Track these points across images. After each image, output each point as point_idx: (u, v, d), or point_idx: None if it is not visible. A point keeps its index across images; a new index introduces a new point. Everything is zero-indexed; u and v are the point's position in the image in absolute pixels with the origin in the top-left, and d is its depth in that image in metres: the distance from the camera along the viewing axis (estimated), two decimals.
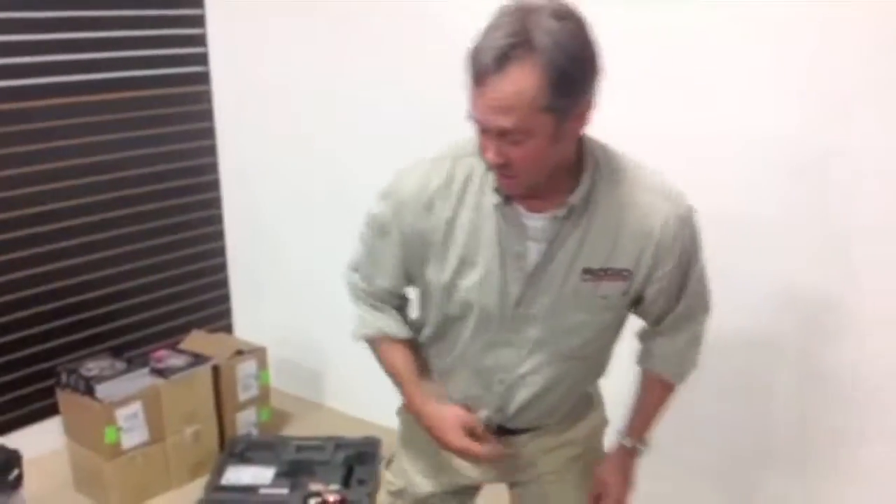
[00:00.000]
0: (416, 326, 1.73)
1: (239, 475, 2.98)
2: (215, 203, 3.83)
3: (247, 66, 3.60)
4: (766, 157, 2.40)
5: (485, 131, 1.35)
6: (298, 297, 3.68)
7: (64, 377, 3.07)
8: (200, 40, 3.64)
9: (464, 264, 1.53)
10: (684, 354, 1.71)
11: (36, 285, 3.27)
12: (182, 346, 3.45)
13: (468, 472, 1.79)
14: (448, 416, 1.63)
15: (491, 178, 1.47)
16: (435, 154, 1.55)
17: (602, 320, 1.57)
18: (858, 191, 2.30)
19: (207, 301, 3.90)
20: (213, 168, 3.80)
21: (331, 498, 1.58)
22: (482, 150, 1.38)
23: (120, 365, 3.12)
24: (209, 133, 3.76)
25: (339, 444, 3.08)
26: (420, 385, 1.69)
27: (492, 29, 1.29)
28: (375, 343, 1.72)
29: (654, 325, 1.68)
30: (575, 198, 1.45)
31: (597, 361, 1.71)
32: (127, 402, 3.00)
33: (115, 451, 2.99)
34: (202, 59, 3.66)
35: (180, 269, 3.75)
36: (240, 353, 3.38)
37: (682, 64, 2.49)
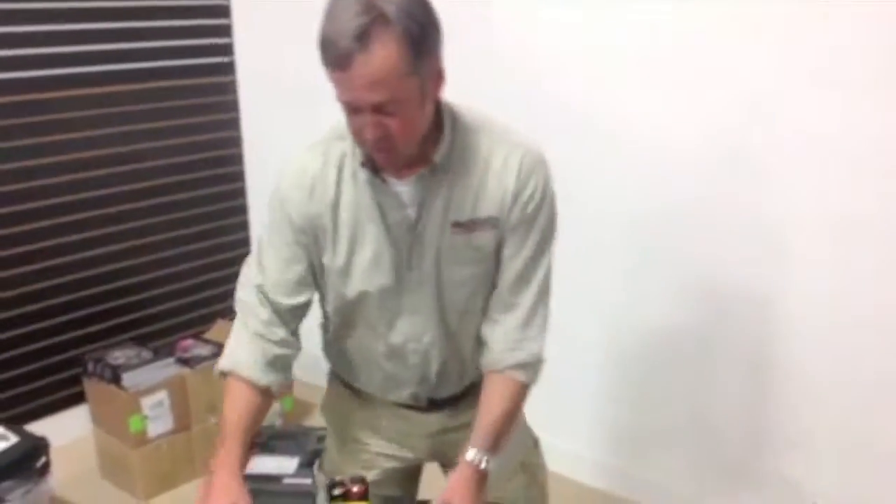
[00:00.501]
0: (324, 327, 1.76)
1: (263, 464, 2.97)
2: (240, 193, 3.85)
3: (272, 56, 3.60)
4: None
5: (357, 111, 1.38)
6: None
7: (91, 366, 3.10)
8: (226, 31, 3.65)
9: (354, 242, 1.56)
10: (519, 345, 1.61)
11: (63, 274, 3.30)
12: (207, 335, 3.48)
13: (403, 453, 1.82)
14: (221, 493, 1.61)
15: (359, 154, 1.50)
16: (310, 143, 1.60)
17: (483, 271, 1.59)
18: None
19: (232, 291, 3.88)
20: (238, 158, 3.82)
21: (354, 488, 1.57)
22: (357, 132, 1.42)
23: (146, 354, 3.15)
24: (234, 123, 3.77)
25: None
26: (236, 451, 1.66)
27: (339, 11, 1.33)
28: (228, 378, 1.66)
29: (497, 303, 1.62)
30: (438, 156, 1.49)
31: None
32: (153, 391, 3.03)
33: (141, 439, 3.02)
34: (227, 49, 3.68)
35: (205, 259, 3.78)
36: None
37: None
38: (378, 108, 1.35)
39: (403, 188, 1.52)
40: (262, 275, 1.63)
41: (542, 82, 2.83)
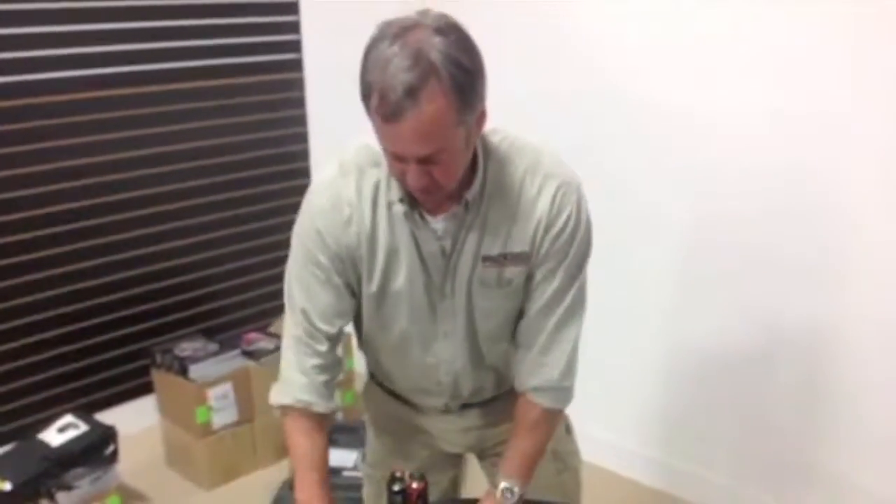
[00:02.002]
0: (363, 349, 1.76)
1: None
2: (305, 189, 3.87)
3: (339, 53, 3.61)
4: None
5: (402, 160, 1.37)
6: None
7: (159, 357, 3.16)
8: (294, 27, 3.68)
9: (389, 270, 1.55)
10: (538, 371, 1.61)
11: (134, 268, 3.37)
12: (272, 329, 3.51)
13: (441, 446, 1.84)
14: None
15: (394, 185, 1.49)
16: (337, 169, 1.56)
17: (513, 304, 1.59)
18: None
19: None
20: (304, 155, 3.85)
21: (414, 485, 1.57)
22: (400, 177, 1.41)
23: (212, 346, 3.20)
24: (301, 120, 3.80)
25: None
26: (314, 478, 1.63)
27: (384, 60, 1.30)
28: (288, 413, 1.65)
29: (524, 329, 1.62)
30: (470, 194, 1.48)
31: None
32: (218, 383, 3.07)
33: (206, 430, 3.07)
34: (295, 46, 3.71)
35: (271, 254, 3.81)
36: None
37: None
38: (424, 160, 1.35)
39: (438, 224, 1.52)
40: (304, 305, 1.60)
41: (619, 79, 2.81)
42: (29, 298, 3.12)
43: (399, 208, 1.50)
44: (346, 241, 1.53)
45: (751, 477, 2.82)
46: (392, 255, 1.54)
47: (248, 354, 3.21)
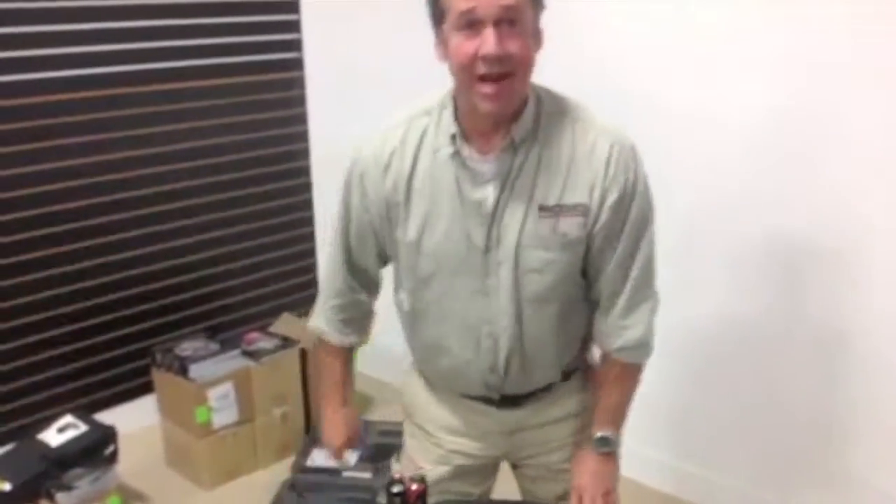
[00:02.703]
0: (399, 306, 1.75)
1: (324, 457, 3.01)
2: (306, 188, 3.88)
3: (340, 52, 3.62)
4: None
5: (479, 24, 1.36)
6: (385, 282, 3.69)
7: (159, 357, 3.15)
8: (295, 26, 3.68)
9: (428, 218, 1.55)
10: (619, 333, 1.62)
11: (134, 268, 3.37)
12: (272, 329, 3.51)
13: (478, 450, 1.78)
14: (340, 424, 1.89)
15: (444, 127, 1.51)
16: (388, 122, 1.60)
17: (566, 259, 1.54)
18: None
19: (297, 286, 3.95)
20: (304, 154, 3.84)
21: (413, 486, 1.56)
22: (470, 59, 1.38)
23: (213, 346, 3.19)
24: (302, 119, 3.80)
25: None
26: (338, 391, 1.88)
27: None
28: (320, 346, 1.87)
29: (598, 292, 1.62)
30: (518, 129, 1.47)
31: (572, 311, 1.64)
32: (218, 383, 3.07)
33: (206, 430, 3.06)
34: (296, 45, 3.70)
35: (271, 253, 3.81)
36: None
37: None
38: (503, 17, 1.34)
39: (486, 166, 1.50)
40: (341, 248, 1.72)
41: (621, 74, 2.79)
42: (28, 298, 3.11)
43: (445, 151, 1.51)
44: (384, 187, 1.57)
45: (761, 479, 2.79)
46: (432, 202, 1.54)
47: (249, 354, 3.21)
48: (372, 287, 1.79)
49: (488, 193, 1.50)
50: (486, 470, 1.85)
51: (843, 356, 2.55)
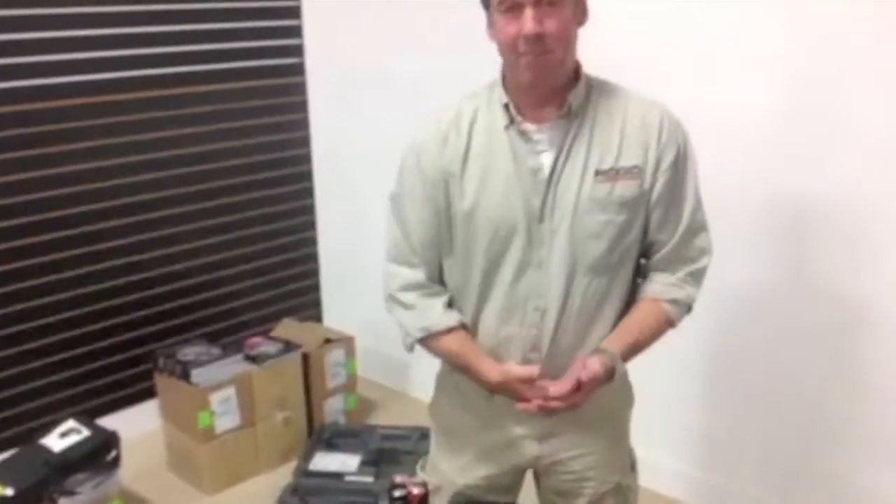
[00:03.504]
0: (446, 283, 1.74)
1: (326, 462, 3.02)
2: (308, 193, 3.89)
3: (342, 57, 3.63)
4: None
5: (512, 8, 1.47)
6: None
7: (161, 361, 3.16)
8: (296, 32, 3.69)
9: (483, 186, 1.59)
10: (681, 286, 1.67)
11: (136, 272, 3.37)
12: (274, 333, 3.51)
13: (505, 459, 1.76)
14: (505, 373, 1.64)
15: (496, 102, 1.59)
16: (437, 112, 1.67)
17: (624, 221, 1.59)
18: None
19: (299, 290, 3.96)
20: (306, 159, 3.85)
21: (415, 490, 1.57)
22: (512, 40, 1.48)
23: (215, 351, 3.20)
24: (303, 124, 3.81)
25: (423, 433, 3.04)
26: (488, 359, 1.67)
27: None
28: (428, 343, 1.71)
29: (655, 255, 1.68)
30: (574, 96, 1.56)
31: (621, 282, 1.67)
32: (221, 387, 3.07)
33: (209, 434, 3.07)
34: (298, 50, 3.71)
35: (273, 258, 3.82)
36: (329, 341, 3.42)
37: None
38: (541, 0, 1.44)
39: (541, 134, 1.57)
40: (408, 239, 1.70)
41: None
42: (30, 303, 3.12)
43: (500, 123, 1.58)
44: (441, 161, 1.61)
45: (774, 486, 2.77)
46: (487, 172, 1.59)
47: (251, 359, 3.21)
48: (439, 279, 1.74)
49: (544, 161, 1.57)
50: (511, 480, 1.83)
51: (854, 369, 2.52)
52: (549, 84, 1.54)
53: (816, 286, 2.55)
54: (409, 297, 1.71)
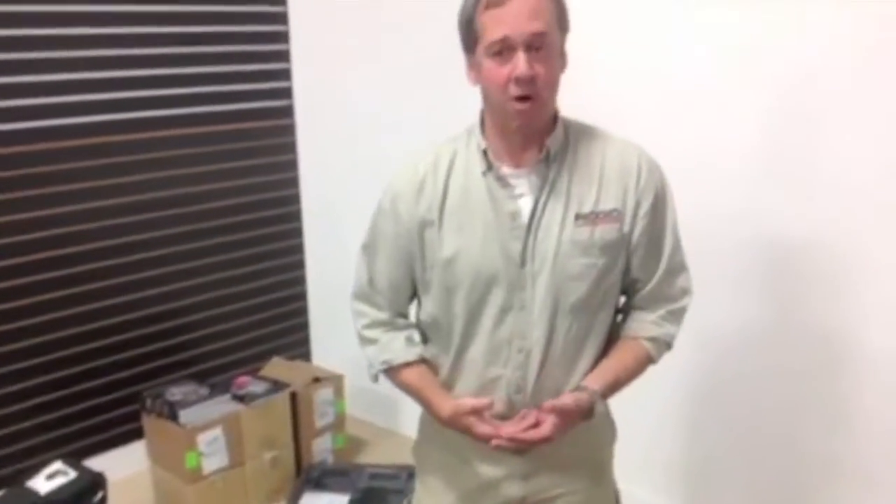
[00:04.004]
0: (422, 328, 1.76)
1: (314, 502, 3.01)
2: (297, 233, 3.91)
3: (330, 99, 3.67)
4: None
5: (510, 50, 1.47)
6: None
7: (149, 402, 3.15)
8: (285, 75, 3.73)
9: (462, 234, 1.60)
10: (660, 324, 1.69)
11: (123, 313, 3.37)
12: (262, 372, 3.51)
13: (489, 499, 1.75)
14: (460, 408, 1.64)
15: (474, 147, 1.60)
16: (416, 157, 1.68)
17: (605, 263, 1.60)
18: None
19: (287, 329, 3.96)
20: (295, 199, 3.88)
21: None
22: (502, 83, 1.49)
23: (203, 391, 3.20)
24: (292, 165, 3.84)
25: (412, 472, 3.03)
26: (443, 393, 1.70)
27: None
28: (390, 376, 1.76)
29: (635, 294, 1.71)
30: (552, 141, 1.57)
31: (602, 321, 1.68)
32: (208, 428, 3.06)
33: (196, 475, 3.05)
34: (286, 93, 3.76)
35: (262, 297, 3.83)
36: (317, 380, 3.42)
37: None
38: (532, 43, 1.46)
39: (519, 180, 1.58)
40: (373, 281, 1.74)
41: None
42: (17, 345, 3.11)
43: (477, 169, 1.59)
44: (418, 208, 1.62)
45: None
46: (466, 220, 1.60)
47: (239, 398, 3.21)
48: (405, 313, 1.79)
49: (523, 206, 1.58)
50: None
51: (849, 401, 2.52)
52: (533, 128, 1.56)
53: (798, 322, 2.57)
54: (373, 333, 1.77)
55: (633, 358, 1.68)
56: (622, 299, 1.74)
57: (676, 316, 1.72)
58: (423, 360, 1.73)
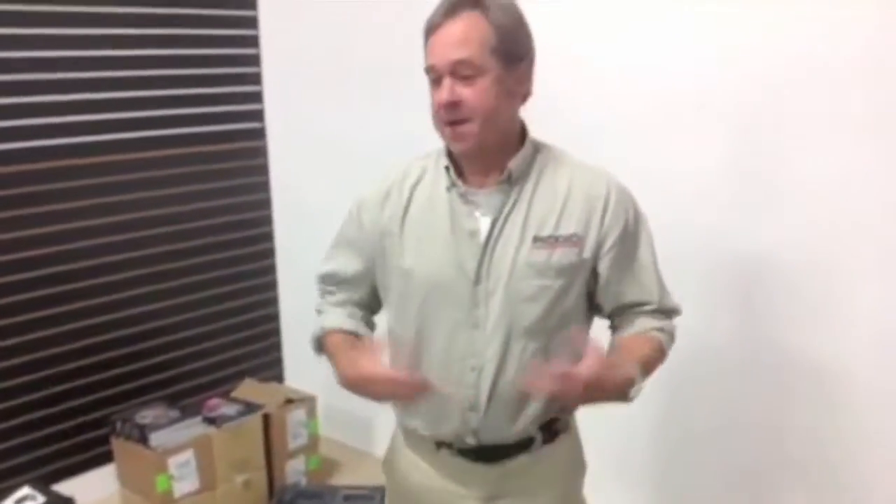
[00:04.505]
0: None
1: None
2: (269, 254, 3.90)
3: (302, 122, 3.68)
4: None
5: (437, 79, 1.53)
6: None
7: (119, 425, 3.13)
8: (257, 97, 3.74)
9: (420, 246, 1.63)
10: (661, 319, 1.71)
11: (93, 335, 3.34)
12: (234, 394, 3.49)
13: None
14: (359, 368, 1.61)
15: (441, 164, 1.64)
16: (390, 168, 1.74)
17: (560, 286, 1.60)
18: None
19: (259, 350, 3.95)
20: (267, 220, 3.88)
21: None
22: (436, 110, 1.55)
23: (173, 413, 3.17)
24: (264, 187, 3.84)
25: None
26: (352, 353, 1.67)
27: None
28: (322, 345, 1.78)
29: (618, 316, 1.72)
30: (514, 163, 1.59)
31: (560, 345, 1.63)
32: (179, 451, 3.04)
33: (167, 498, 3.02)
34: (258, 115, 3.76)
35: (234, 319, 3.81)
36: (290, 401, 3.41)
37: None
38: (456, 70, 1.50)
39: (480, 199, 1.61)
40: (335, 272, 1.82)
41: None
42: None
43: (442, 184, 1.62)
44: (381, 220, 1.68)
45: None
46: (426, 232, 1.63)
47: (210, 421, 3.19)
48: (361, 304, 1.83)
49: (482, 225, 1.60)
50: None
51: (831, 422, 2.53)
52: (476, 153, 1.59)
53: (770, 340, 2.60)
54: (325, 306, 1.84)
55: (648, 345, 1.66)
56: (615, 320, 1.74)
57: (670, 323, 1.74)
58: (354, 334, 1.75)
